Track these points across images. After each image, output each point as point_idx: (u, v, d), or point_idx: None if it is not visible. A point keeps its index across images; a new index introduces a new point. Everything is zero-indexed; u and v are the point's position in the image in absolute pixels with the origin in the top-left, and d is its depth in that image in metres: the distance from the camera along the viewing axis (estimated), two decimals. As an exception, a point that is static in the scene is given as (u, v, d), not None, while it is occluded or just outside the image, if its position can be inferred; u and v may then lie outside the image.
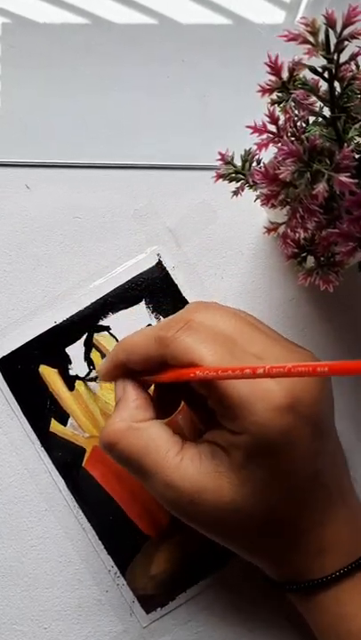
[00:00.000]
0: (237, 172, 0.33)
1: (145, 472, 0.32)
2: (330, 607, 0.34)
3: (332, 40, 0.27)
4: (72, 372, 0.42)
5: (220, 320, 0.33)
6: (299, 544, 0.33)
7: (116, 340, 0.42)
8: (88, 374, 0.42)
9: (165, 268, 0.43)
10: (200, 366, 0.30)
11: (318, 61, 0.28)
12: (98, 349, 0.42)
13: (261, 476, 0.31)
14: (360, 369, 0.23)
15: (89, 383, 0.42)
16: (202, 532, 0.34)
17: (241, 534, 0.33)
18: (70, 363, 0.42)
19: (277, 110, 0.31)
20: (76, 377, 0.42)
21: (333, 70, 0.28)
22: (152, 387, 0.37)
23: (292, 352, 0.33)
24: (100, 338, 0.42)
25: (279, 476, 0.31)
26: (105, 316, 0.43)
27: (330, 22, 0.27)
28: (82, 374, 0.42)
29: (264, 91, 0.31)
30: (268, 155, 0.32)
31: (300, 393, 0.31)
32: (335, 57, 0.27)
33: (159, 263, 0.43)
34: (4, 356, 0.42)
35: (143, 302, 0.43)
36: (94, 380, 0.41)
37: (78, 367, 0.42)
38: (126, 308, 0.43)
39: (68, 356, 0.42)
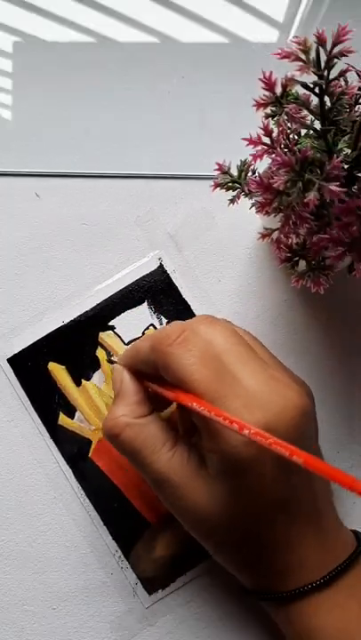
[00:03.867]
0: (234, 182, 0.33)
1: (141, 462, 0.34)
2: (297, 619, 0.34)
3: (323, 57, 0.27)
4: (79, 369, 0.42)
5: (217, 336, 0.33)
6: (261, 560, 0.34)
7: (121, 339, 0.43)
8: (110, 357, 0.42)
9: (166, 271, 0.43)
10: (199, 399, 0.31)
11: (310, 77, 0.28)
12: (103, 347, 0.42)
13: (228, 490, 0.32)
14: (332, 474, 0.25)
15: (93, 379, 0.42)
16: (183, 525, 0.35)
17: (213, 539, 0.34)
18: (78, 360, 0.42)
19: (271, 123, 0.31)
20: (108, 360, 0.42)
21: (324, 86, 0.28)
22: None
23: (274, 383, 0.32)
24: (105, 336, 0.42)
25: (242, 494, 0.32)
26: (110, 316, 0.43)
27: (320, 41, 0.27)
28: (88, 370, 0.43)
29: (259, 105, 0.31)
30: (262, 165, 0.33)
31: (272, 428, 0.30)
32: (325, 73, 0.28)
33: (161, 267, 0.43)
34: (15, 354, 0.42)
35: (146, 303, 0.43)
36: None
37: (85, 364, 0.42)
38: (130, 308, 0.43)
39: (75, 353, 0.42)
